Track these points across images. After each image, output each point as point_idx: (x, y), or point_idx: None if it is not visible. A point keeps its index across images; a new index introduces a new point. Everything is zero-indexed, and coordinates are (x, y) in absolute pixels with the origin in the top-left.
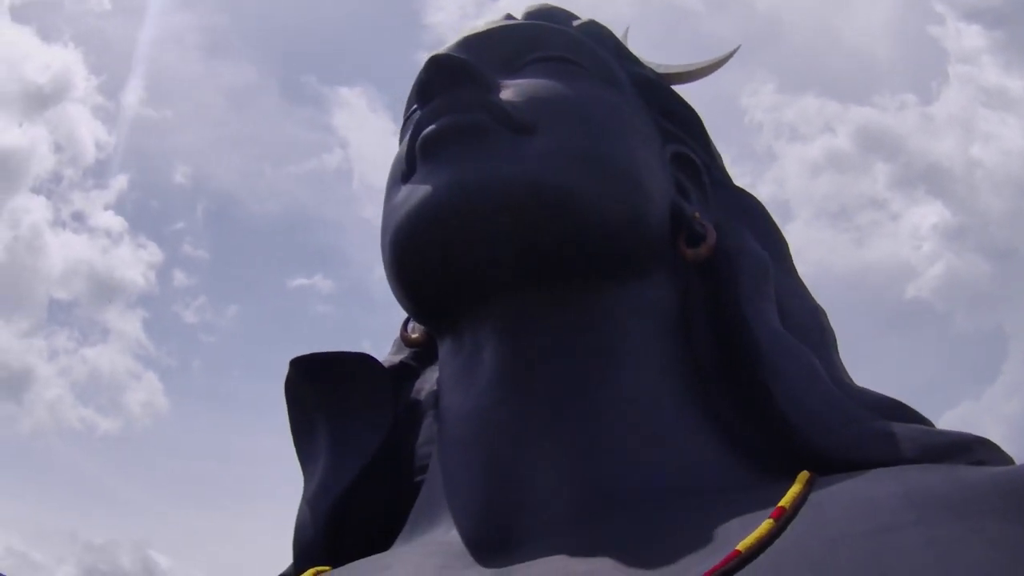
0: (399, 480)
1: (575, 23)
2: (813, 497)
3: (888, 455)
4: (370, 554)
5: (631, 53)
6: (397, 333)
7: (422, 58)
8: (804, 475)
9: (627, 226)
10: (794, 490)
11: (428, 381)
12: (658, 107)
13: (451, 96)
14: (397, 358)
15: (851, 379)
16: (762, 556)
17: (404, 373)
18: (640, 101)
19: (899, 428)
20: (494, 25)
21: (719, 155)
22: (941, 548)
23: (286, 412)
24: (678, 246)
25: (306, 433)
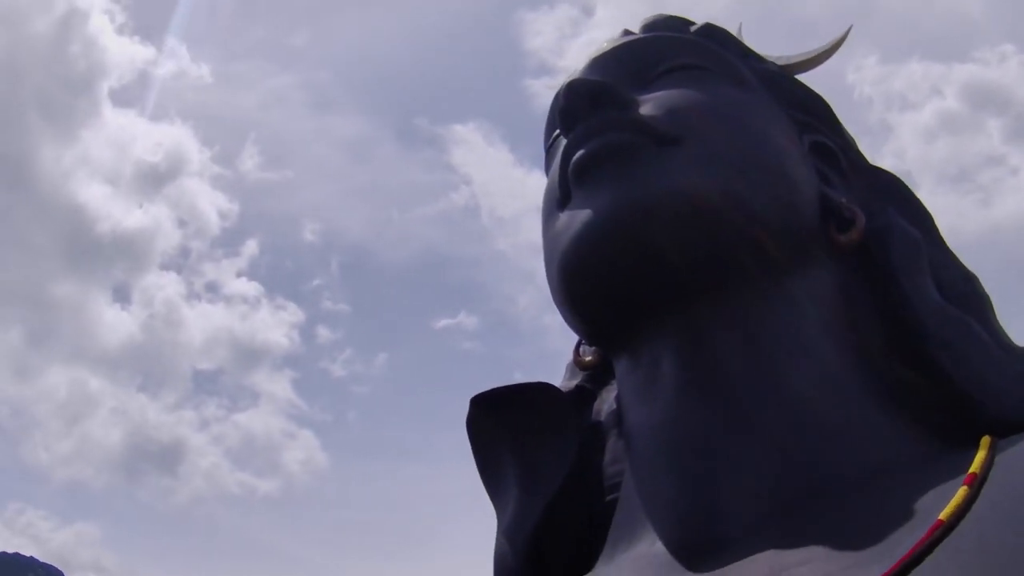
0: (590, 502)
1: (692, 28)
2: (999, 459)
3: None
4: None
5: (751, 50)
6: (570, 357)
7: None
8: (986, 440)
9: (784, 221)
10: (980, 455)
11: (606, 402)
12: (787, 99)
13: (594, 119)
14: (572, 383)
15: (1011, 340)
16: (963, 523)
17: (582, 397)
18: (770, 96)
19: None
20: (618, 42)
21: (851, 137)
22: None
23: (471, 451)
24: (829, 234)
25: (493, 468)
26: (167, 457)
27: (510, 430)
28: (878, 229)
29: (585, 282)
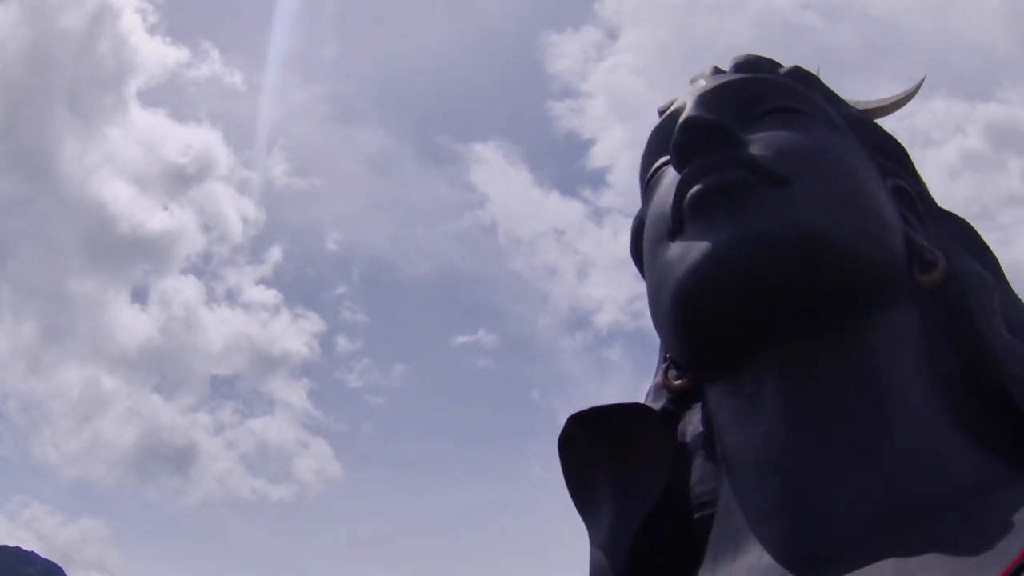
0: (680, 519)
1: (781, 71)
2: None
3: None
4: None
5: (835, 94)
6: (656, 379)
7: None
8: None
9: (883, 261)
10: None
11: (690, 424)
12: (871, 143)
13: (710, 156)
14: (658, 404)
15: None
16: None
17: (669, 418)
18: (858, 140)
19: None
20: (720, 81)
21: (924, 182)
22: None
23: (561, 467)
24: (913, 274)
25: (585, 484)
26: (179, 459)
27: (604, 448)
28: (956, 271)
29: (702, 310)
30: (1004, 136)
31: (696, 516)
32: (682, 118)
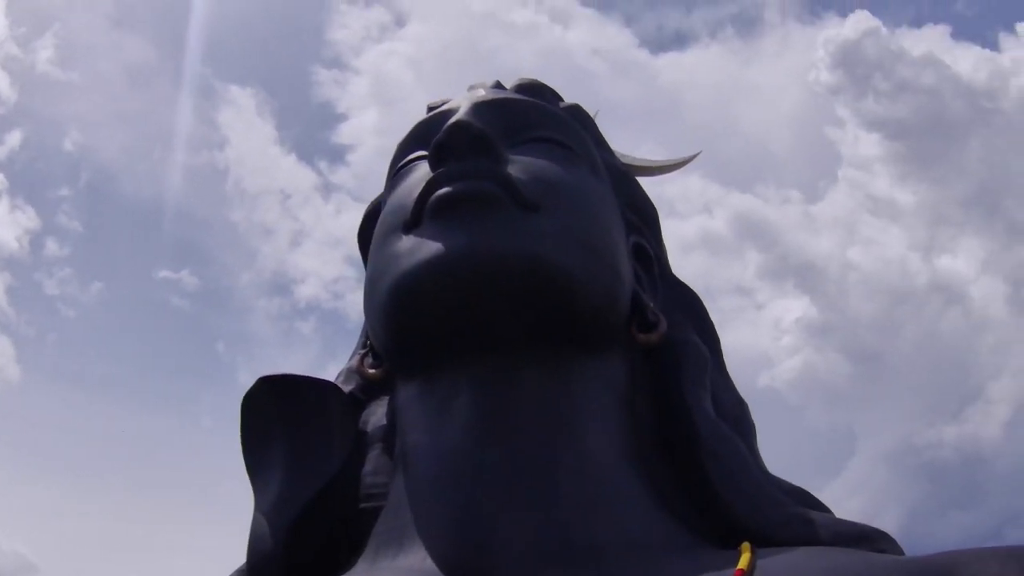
0: (344, 504)
1: (561, 104)
2: (761, 564)
3: (809, 537)
4: (319, 571)
5: (605, 141)
6: (351, 362)
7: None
8: (747, 545)
9: (606, 308)
10: (746, 557)
11: (374, 414)
12: (626, 197)
13: (468, 163)
14: (347, 388)
15: (765, 466)
16: None
17: (355, 404)
18: (613, 190)
19: (816, 515)
20: (498, 96)
21: (665, 248)
22: None
23: (240, 423)
24: (631, 329)
25: (260, 445)
26: None
27: (288, 417)
28: (675, 340)
29: (418, 306)
30: (749, 228)
31: (363, 506)
32: (453, 120)
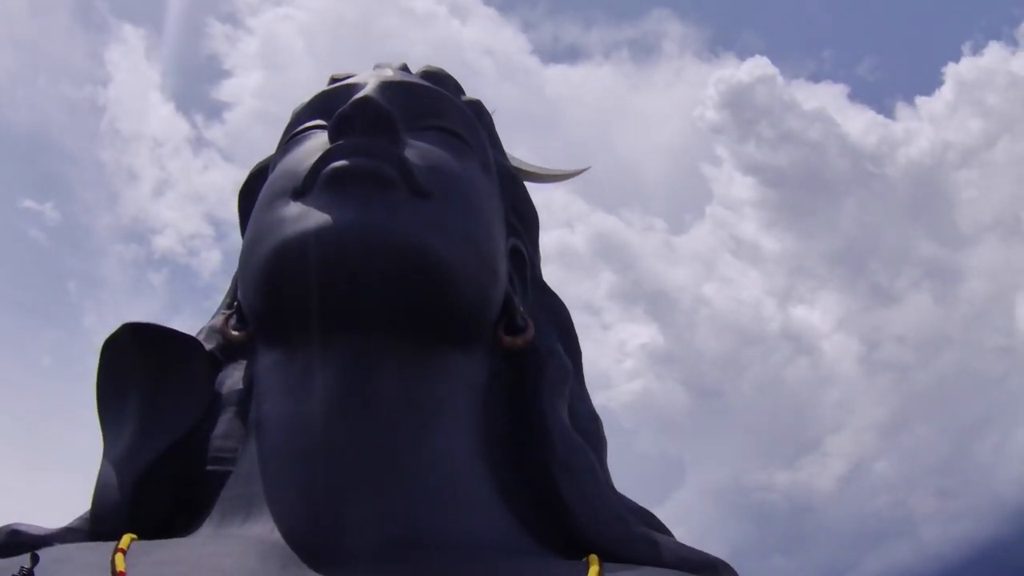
0: (191, 464)
1: (463, 98)
2: None
3: (654, 559)
4: (163, 527)
5: (499, 141)
6: (214, 321)
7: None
8: (595, 558)
9: (479, 306)
10: (594, 570)
11: (230, 377)
12: (510, 199)
13: (367, 140)
14: (207, 346)
15: (612, 483)
16: None
17: (213, 364)
18: (500, 191)
19: (660, 538)
20: (404, 79)
21: (540, 256)
22: None
23: (97, 368)
24: (498, 330)
25: (116, 393)
26: None
27: (148, 366)
28: (540, 347)
29: (295, 274)
30: (607, 249)
31: (209, 468)
32: (360, 94)
